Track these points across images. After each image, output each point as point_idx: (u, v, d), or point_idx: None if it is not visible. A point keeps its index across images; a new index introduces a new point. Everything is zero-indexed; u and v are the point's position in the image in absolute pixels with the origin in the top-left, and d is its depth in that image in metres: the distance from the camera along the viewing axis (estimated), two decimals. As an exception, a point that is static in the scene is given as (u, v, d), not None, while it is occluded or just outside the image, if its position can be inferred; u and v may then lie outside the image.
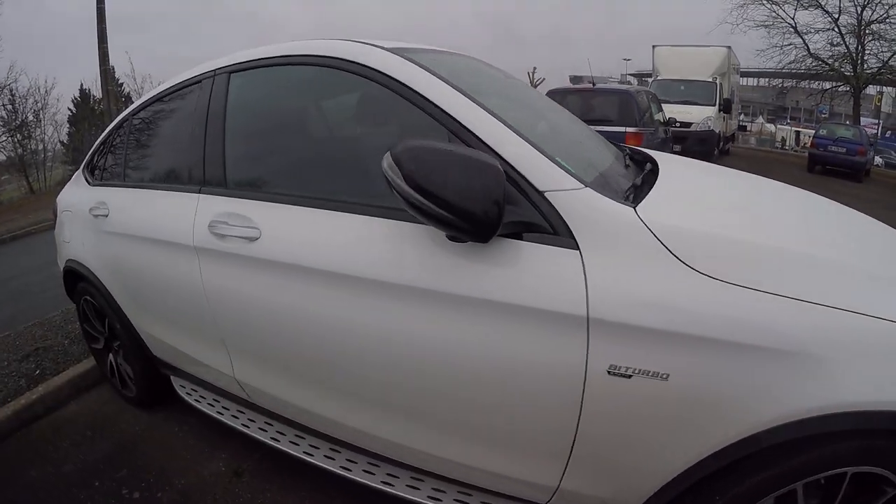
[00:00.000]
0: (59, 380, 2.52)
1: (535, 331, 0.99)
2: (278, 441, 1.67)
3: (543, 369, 0.99)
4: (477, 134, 1.10)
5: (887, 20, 16.46)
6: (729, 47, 14.49)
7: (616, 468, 1.03)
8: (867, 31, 17.00)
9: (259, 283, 1.43)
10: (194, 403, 1.96)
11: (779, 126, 31.31)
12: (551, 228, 1.02)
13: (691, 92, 11.41)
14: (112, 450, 2.07)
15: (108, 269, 2.06)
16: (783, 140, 27.58)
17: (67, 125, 22.14)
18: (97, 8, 12.16)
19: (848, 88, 18.34)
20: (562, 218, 1.01)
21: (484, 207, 0.92)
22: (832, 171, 12.82)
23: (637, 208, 1.03)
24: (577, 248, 0.98)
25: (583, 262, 0.96)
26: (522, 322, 1.00)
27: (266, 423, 1.75)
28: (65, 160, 21.68)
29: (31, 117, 19.68)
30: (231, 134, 1.62)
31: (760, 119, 32.42)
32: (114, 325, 2.15)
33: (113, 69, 14.14)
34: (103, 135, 2.34)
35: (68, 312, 3.59)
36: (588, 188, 1.05)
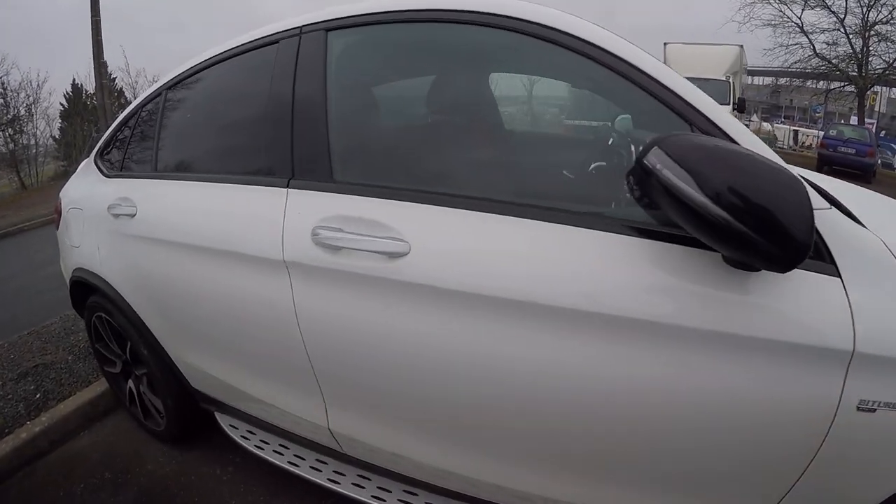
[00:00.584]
0: (65, 407, 2.13)
1: (790, 369, 0.85)
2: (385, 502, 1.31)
3: (791, 407, 0.87)
4: (734, 137, 0.89)
5: (892, 21, 16.44)
6: (741, 46, 14.49)
7: (835, 495, 0.94)
8: (872, 32, 16.99)
9: (400, 315, 1.06)
10: (255, 450, 1.56)
11: (776, 125, 31.40)
12: (814, 253, 0.88)
13: (705, 91, 11.15)
14: (141, 497, 1.70)
15: (133, 283, 1.65)
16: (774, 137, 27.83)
17: (59, 120, 21.49)
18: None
19: (853, 89, 18.32)
20: (824, 241, 0.87)
21: (801, 228, 0.74)
22: (840, 171, 12.73)
23: (870, 229, 0.92)
24: (839, 275, 0.86)
25: (846, 291, 0.85)
26: (779, 360, 0.85)
27: (359, 476, 1.39)
28: (56, 156, 21.19)
29: (22, 112, 19.14)
30: (336, 111, 1.23)
31: (755, 117, 32.49)
32: (139, 350, 1.74)
33: (106, 63, 13.70)
34: (125, 113, 1.93)
35: (67, 320, 3.20)
36: (833, 208, 0.91)
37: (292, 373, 1.28)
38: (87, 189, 1.98)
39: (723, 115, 0.92)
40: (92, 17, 12.51)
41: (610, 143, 1.47)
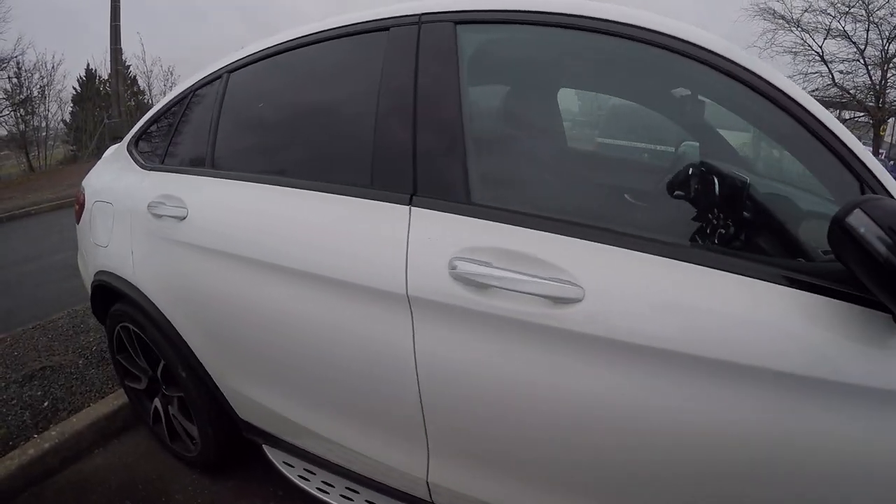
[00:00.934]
0: (78, 421, 1.90)
1: None
2: None
3: None
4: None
5: None
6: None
7: None
8: (891, 65, 17.11)
9: (565, 369, 0.90)
10: (317, 493, 1.32)
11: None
12: None
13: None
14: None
15: (173, 295, 1.43)
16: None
17: (71, 104, 21.33)
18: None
19: (869, 119, 18.37)
20: None
21: None
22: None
23: None
24: None
25: None
26: None
27: None
28: (66, 140, 21.03)
29: (35, 93, 18.96)
30: (475, 121, 1.06)
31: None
32: (175, 371, 1.51)
33: (121, 49, 13.59)
34: (171, 97, 1.70)
35: (76, 316, 2.98)
36: None
37: (391, 419, 1.08)
38: (118, 181, 1.75)
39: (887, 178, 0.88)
40: (112, 1, 12.41)
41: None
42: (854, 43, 17.54)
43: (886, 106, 17.70)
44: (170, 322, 1.44)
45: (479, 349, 0.94)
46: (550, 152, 1.19)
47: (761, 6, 18.23)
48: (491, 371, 0.94)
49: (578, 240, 0.90)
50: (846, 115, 19.17)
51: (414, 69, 1.07)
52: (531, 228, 0.92)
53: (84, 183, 1.98)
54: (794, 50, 18.42)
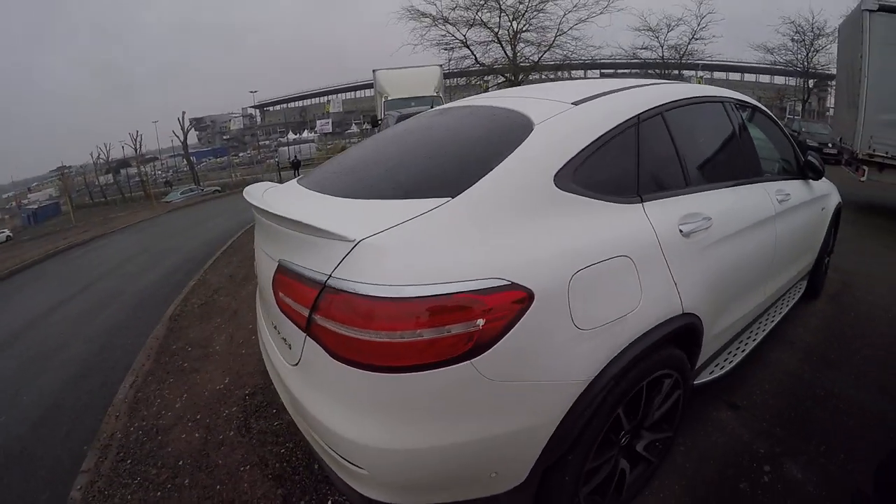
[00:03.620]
0: None
1: None
2: None
3: None
4: None
5: (530, 30, 22.55)
6: (441, 66, 17.84)
7: None
8: (519, 40, 22.83)
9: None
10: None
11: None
12: None
13: (422, 106, 13.13)
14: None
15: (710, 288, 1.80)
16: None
17: None
18: None
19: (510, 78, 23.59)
20: None
21: None
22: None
23: None
24: None
25: None
26: None
27: None
28: None
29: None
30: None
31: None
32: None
33: None
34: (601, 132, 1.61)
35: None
36: None
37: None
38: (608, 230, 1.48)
39: None
40: None
41: None
42: (490, 28, 22.33)
43: (520, 67, 22.98)
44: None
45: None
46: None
47: (409, 9, 21.81)
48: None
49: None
50: (491, 80, 23.99)
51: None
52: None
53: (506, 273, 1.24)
54: (442, 41, 22.55)
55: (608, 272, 1.39)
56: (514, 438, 1.29)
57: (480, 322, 1.17)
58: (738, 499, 1.86)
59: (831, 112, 27.48)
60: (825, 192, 3.11)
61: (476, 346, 1.18)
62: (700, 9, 23.79)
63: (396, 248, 1.20)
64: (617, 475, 1.67)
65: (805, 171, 2.83)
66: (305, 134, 52.47)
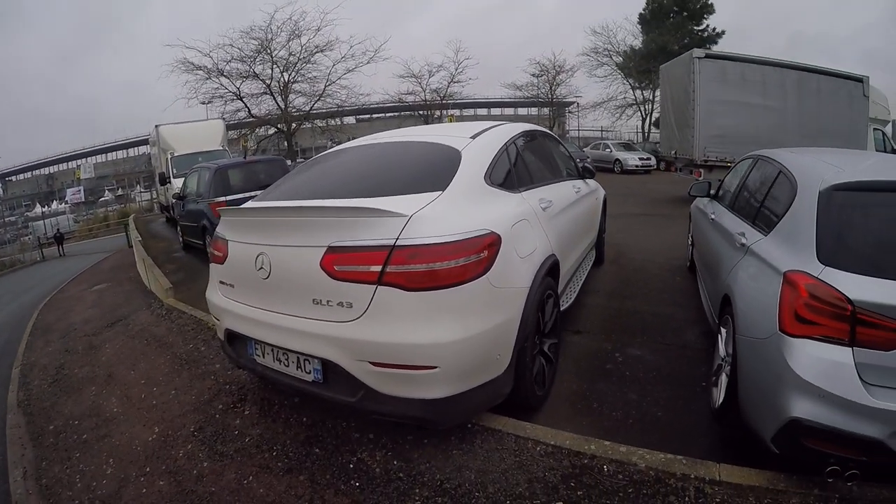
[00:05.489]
0: None
1: None
2: None
3: None
4: None
5: (299, 81, 23.69)
6: (223, 118, 18.16)
7: None
8: (290, 90, 23.75)
9: None
10: None
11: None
12: None
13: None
14: None
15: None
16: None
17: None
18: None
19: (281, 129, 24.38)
20: None
21: None
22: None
23: None
24: None
25: None
26: None
27: None
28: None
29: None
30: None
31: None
32: None
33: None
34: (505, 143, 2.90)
35: None
36: None
37: None
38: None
39: None
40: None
41: None
42: (262, 80, 22.89)
43: (291, 118, 23.78)
44: None
45: None
46: None
47: (183, 62, 21.23)
48: None
49: None
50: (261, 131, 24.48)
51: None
52: None
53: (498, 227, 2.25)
54: (216, 93, 22.44)
55: (521, 227, 2.47)
56: (506, 326, 2.19)
57: (485, 253, 2.08)
58: (609, 372, 3.06)
59: (572, 134, 34.14)
60: (596, 188, 4.73)
61: (486, 267, 2.08)
62: (458, 55, 27.29)
63: (432, 217, 2.03)
64: (542, 369, 2.63)
65: (583, 174, 4.39)
66: (55, 206, 43.58)
